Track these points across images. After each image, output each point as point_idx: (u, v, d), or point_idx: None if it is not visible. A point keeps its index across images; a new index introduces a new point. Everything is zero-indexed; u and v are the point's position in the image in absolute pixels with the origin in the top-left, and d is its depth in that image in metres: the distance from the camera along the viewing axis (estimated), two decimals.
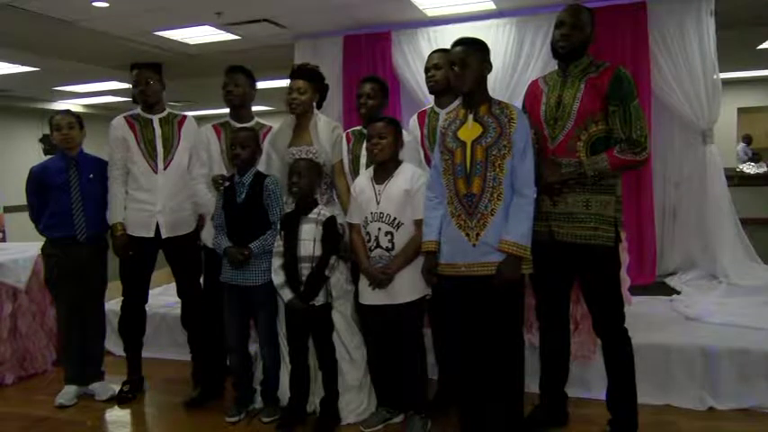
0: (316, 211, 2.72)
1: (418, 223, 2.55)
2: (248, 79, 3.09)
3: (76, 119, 3.18)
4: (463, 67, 2.31)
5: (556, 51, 2.44)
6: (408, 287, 2.58)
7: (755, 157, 9.50)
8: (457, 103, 2.66)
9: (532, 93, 2.55)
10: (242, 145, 2.77)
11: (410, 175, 2.62)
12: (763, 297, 3.72)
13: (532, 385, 2.79)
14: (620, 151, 2.30)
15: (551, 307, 2.58)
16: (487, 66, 2.38)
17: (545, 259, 2.43)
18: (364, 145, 2.82)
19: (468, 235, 2.32)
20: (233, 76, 3.04)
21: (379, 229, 2.60)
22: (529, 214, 2.29)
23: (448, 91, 2.78)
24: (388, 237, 2.59)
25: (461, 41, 2.38)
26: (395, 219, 2.59)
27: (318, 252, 2.67)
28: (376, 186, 2.64)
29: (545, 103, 2.44)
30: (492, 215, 2.29)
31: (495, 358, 2.37)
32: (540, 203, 2.45)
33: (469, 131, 2.35)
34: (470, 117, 2.37)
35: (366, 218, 2.65)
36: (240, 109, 3.10)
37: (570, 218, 2.38)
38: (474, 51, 2.33)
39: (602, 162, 2.31)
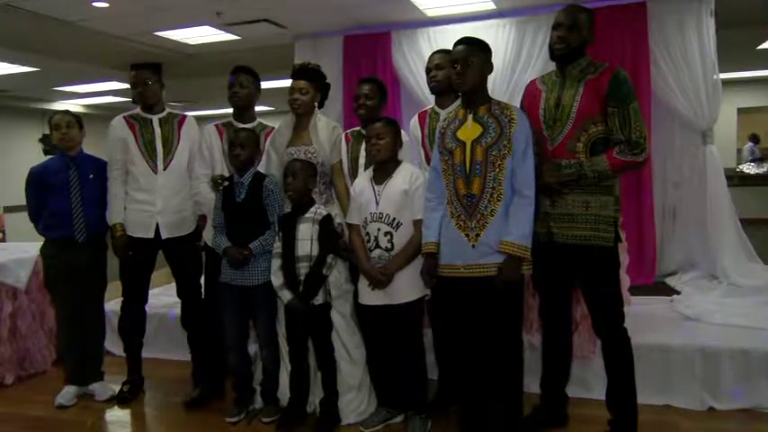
0: (312, 210, 2.72)
1: (417, 223, 2.55)
2: (254, 80, 3.09)
3: (76, 118, 3.17)
4: (465, 67, 2.31)
5: (552, 53, 2.43)
6: (408, 287, 2.58)
7: (761, 157, 9.44)
8: (458, 103, 2.66)
9: (530, 93, 2.54)
10: (241, 145, 2.78)
11: (409, 175, 2.62)
12: (763, 297, 3.72)
13: (533, 385, 2.79)
14: (620, 152, 2.30)
15: (553, 307, 2.57)
16: (489, 66, 2.38)
17: (545, 260, 2.43)
18: (363, 146, 2.82)
19: (467, 236, 2.32)
20: (239, 77, 3.04)
21: (379, 229, 2.60)
22: (529, 215, 2.29)
23: (449, 91, 2.77)
24: (388, 237, 2.59)
25: (463, 41, 2.37)
26: (394, 219, 2.59)
27: (316, 251, 2.67)
28: (375, 187, 2.64)
29: (543, 104, 2.43)
30: (492, 216, 2.29)
31: (494, 359, 2.37)
32: (539, 204, 2.45)
33: (469, 131, 2.35)
34: (470, 117, 2.37)
35: (365, 218, 2.65)
36: (244, 110, 3.10)
37: (569, 218, 2.37)
38: (476, 51, 2.33)
39: (602, 163, 2.31)
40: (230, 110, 3.17)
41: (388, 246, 2.59)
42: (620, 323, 2.41)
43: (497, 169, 2.29)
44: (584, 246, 2.35)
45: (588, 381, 2.95)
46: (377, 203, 2.62)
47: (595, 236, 2.35)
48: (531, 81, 2.60)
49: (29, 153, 8.97)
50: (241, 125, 3.04)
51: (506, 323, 2.36)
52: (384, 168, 2.65)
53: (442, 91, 2.83)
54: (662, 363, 2.91)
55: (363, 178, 2.74)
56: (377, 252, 2.61)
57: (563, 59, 2.40)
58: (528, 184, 2.29)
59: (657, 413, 2.78)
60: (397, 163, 2.67)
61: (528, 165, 2.29)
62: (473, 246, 2.31)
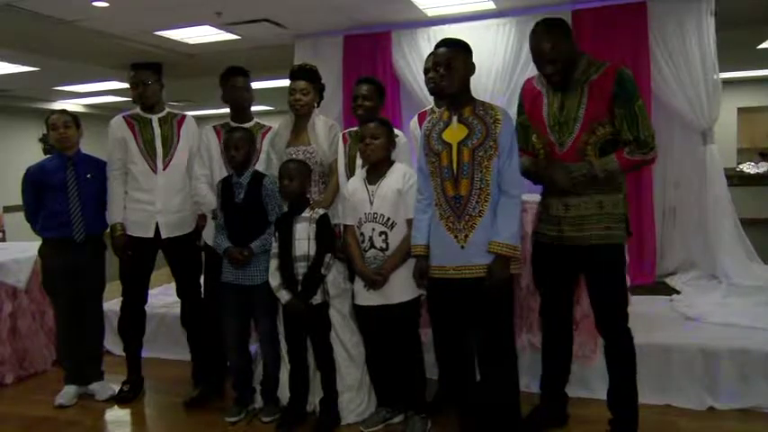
0: (309, 209, 2.72)
1: (410, 222, 2.55)
2: (248, 81, 3.09)
3: (73, 118, 3.17)
4: (448, 69, 2.30)
5: (551, 81, 2.37)
6: (403, 287, 2.57)
7: None
8: None
9: (530, 94, 2.51)
10: (236, 147, 2.77)
11: (402, 174, 2.62)
12: (764, 297, 3.72)
13: (533, 385, 2.79)
14: (630, 152, 2.29)
15: (555, 307, 2.57)
16: (471, 66, 2.37)
17: (551, 261, 2.44)
18: None
19: (456, 237, 2.32)
20: (236, 79, 3.03)
21: (373, 229, 2.60)
22: (516, 214, 2.30)
23: None
24: (383, 237, 2.59)
25: (445, 42, 2.36)
26: (389, 219, 2.59)
27: (313, 251, 2.67)
28: (369, 187, 2.64)
29: (546, 108, 2.41)
30: (480, 216, 2.29)
31: (487, 358, 2.37)
32: (550, 207, 2.44)
33: (455, 133, 2.34)
34: (455, 119, 2.36)
35: (360, 219, 2.64)
36: (243, 110, 3.10)
37: (583, 220, 2.36)
38: (459, 53, 2.32)
39: (612, 163, 2.30)
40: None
41: (383, 246, 2.59)
42: (625, 322, 2.40)
43: (484, 170, 2.28)
44: (597, 245, 2.35)
45: (588, 381, 2.95)
46: (371, 204, 2.61)
47: (609, 234, 2.35)
48: (528, 80, 2.57)
49: (29, 153, 8.96)
50: (237, 125, 3.04)
51: (498, 323, 2.36)
52: (377, 168, 2.65)
53: None
54: (662, 362, 2.91)
55: (357, 179, 2.73)
56: (372, 252, 2.61)
57: (563, 82, 2.35)
58: (514, 183, 2.29)
59: (657, 413, 2.78)
60: (391, 163, 2.67)
61: (514, 164, 2.29)
62: (462, 247, 2.31)
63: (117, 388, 3.24)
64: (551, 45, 2.28)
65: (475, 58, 2.39)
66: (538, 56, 2.34)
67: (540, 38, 2.31)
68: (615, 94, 2.27)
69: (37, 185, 3.12)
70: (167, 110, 3.21)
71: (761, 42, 6.46)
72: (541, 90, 2.46)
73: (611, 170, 2.30)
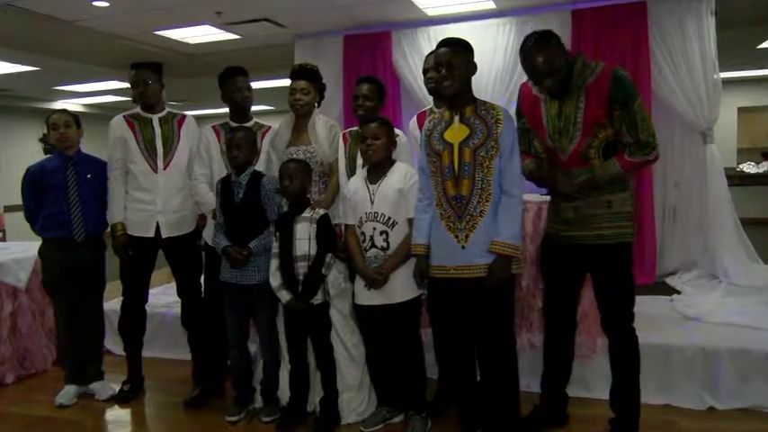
0: (309, 209, 2.72)
1: (411, 222, 2.55)
2: (248, 80, 3.09)
3: (73, 118, 3.16)
4: (450, 70, 2.29)
5: (549, 92, 2.37)
6: (404, 287, 2.57)
7: None
8: None
9: (527, 98, 2.50)
10: (238, 146, 2.77)
11: (403, 173, 2.62)
12: (764, 297, 3.72)
13: (533, 385, 2.79)
14: (631, 155, 2.29)
15: (560, 306, 2.57)
16: (473, 66, 2.37)
17: (559, 260, 2.44)
18: None
19: (457, 237, 2.32)
20: (236, 78, 3.03)
21: (374, 228, 2.60)
22: (518, 214, 2.30)
23: None
24: (384, 236, 2.59)
25: (446, 42, 2.35)
26: (389, 218, 2.59)
27: (314, 251, 2.67)
28: (370, 186, 2.64)
29: (545, 115, 2.40)
30: (481, 216, 2.29)
31: (487, 358, 2.37)
32: (560, 211, 2.44)
33: (456, 133, 2.34)
34: (456, 119, 2.35)
35: (361, 218, 2.64)
36: (243, 110, 3.10)
37: (592, 220, 2.36)
38: (460, 53, 2.31)
39: (614, 167, 2.30)
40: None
41: (384, 245, 2.59)
42: (631, 321, 2.40)
43: (486, 170, 2.28)
44: (604, 244, 2.35)
45: (588, 380, 2.95)
46: (372, 203, 2.61)
47: (618, 233, 2.35)
48: (524, 84, 2.55)
49: (29, 153, 8.95)
50: (238, 125, 3.04)
51: (498, 322, 2.36)
52: (378, 168, 2.64)
53: None
54: (662, 362, 2.91)
55: (357, 178, 2.73)
56: (372, 251, 2.61)
57: (563, 89, 2.34)
58: (515, 183, 2.30)
59: (658, 412, 2.78)
60: (391, 162, 2.67)
61: (515, 164, 2.30)
62: (462, 247, 2.31)
63: (117, 388, 3.24)
64: (545, 60, 2.28)
65: (475, 58, 2.39)
66: (533, 72, 2.33)
67: (532, 54, 2.31)
68: (612, 97, 2.26)
69: (37, 185, 3.11)
70: (167, 110, 3.21)
71: (761, 42, 6.46)
72: (538, 95, 2.45)
73: (614, 174, 2.31)
